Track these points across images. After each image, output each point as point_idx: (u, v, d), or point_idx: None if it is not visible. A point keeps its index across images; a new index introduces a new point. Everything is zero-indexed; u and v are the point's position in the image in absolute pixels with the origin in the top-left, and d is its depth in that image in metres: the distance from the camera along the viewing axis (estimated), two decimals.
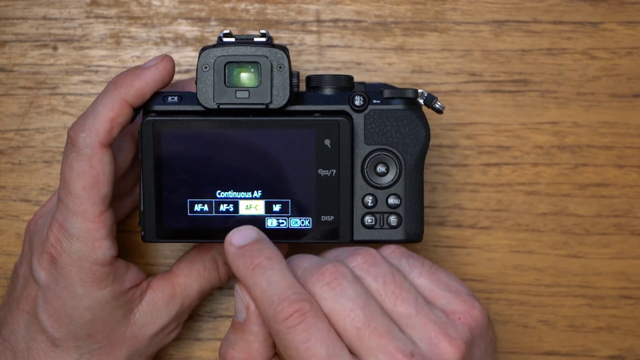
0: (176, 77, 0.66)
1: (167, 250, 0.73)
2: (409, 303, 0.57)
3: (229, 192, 0.62)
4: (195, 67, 0.72)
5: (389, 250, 0.60)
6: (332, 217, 0.62)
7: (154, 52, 0.73)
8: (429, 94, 0.64)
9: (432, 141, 0.70)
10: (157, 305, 0.66)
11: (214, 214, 0.62)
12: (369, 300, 0.56)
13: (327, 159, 0.62)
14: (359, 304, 0.56)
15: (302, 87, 0.66)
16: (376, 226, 0.63)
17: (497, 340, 0.60)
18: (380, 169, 0.63)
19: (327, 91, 0.63)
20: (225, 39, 0.63)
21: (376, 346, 0.55)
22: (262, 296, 0.56)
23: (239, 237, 0.59)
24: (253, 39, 0.63)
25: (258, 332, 0.58)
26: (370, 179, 0.63)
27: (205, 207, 0.62)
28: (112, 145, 0.63)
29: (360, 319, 0.55)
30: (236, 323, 0.59)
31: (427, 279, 0.59)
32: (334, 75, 0.64)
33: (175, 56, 0.72)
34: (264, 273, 0.57)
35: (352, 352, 0.56)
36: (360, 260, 0.58)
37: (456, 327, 0.57)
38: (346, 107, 0.63)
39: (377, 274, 0.58)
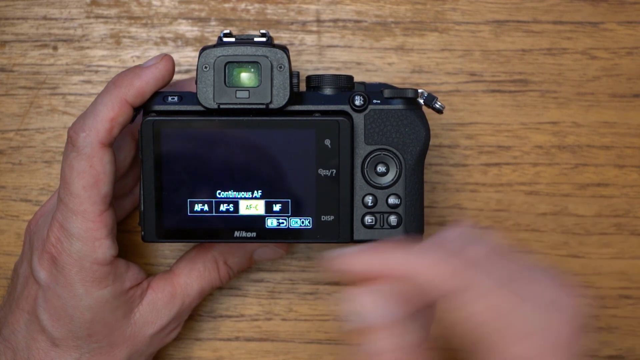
0: (176, 77, 0.66)
1: (167, 250, 0.73)
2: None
3: (229, 192, 0.62)
4: (195, 67, 0.72)
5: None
6: (332, 217, 0.62)
7: (154, 52, 0.73)
8: (429, 94, 0.65)
9: (432, 141, 0.70)
10: (157, 305, 0.66)
11: (214, 214, 0.62)
12: None
13: (327, 159, 0.62)
14: None
15: (302, 87, 0.66)
16: (376, 226, 0.63)
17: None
18: (380, 168, 0.63)
19: (327, 91, 0.63)
20: (225, 39, 0.63)
21: None
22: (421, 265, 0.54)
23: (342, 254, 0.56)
24: (253, 39, 0.63)
25: (385, 326, 0.54)
26: (370, 179, 0.63)
27: (205, 207, 0.62)
28: (112, 144, 0.63)
29: None
30: (357, 329, 0.54)
31: None
32: (334, 75, 0.64)
33: (175, 56, 0.72)
34: (402, 249, 0.54)
35: None
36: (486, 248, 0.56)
37: None
38: (346, 107, 0.63)
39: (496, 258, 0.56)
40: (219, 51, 0.62)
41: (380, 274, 0.55)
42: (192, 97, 0.63)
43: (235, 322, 0.73)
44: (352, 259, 0.55)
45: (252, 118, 0.62)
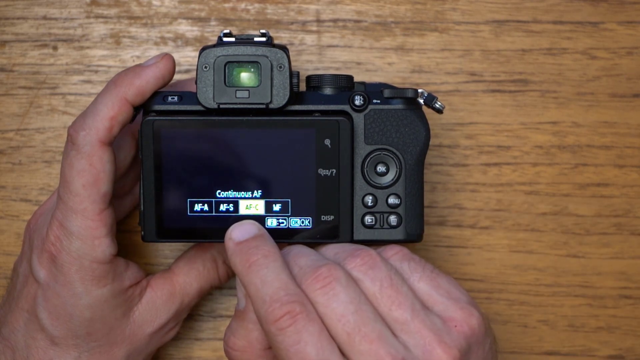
0: (176, 77, 0.66)
1: (167, 250, 0.73)
2: (405, 308, 0.57)
3: (229, 192, 0.62)
4: (195, 67, 0.72)
5: (392, 252, 0.60)
6: (332, 217, 0.62)
7: (154, 52, 0.73)
8: (429, 94, 0.65)
9: (432, 141, 0.70)
10: (157, 304, 0.66)
11: (214, 214, 0.62)
12: (362, 305, 0.56)
13: (327, 159, 0.62)
14: (351, 309, 0.56)
15: (302, 87, 0.66)
16: (376, 226, 0.63)
17: (496, 349, 0.60)
18: (380, 168, 0.63)
19: (327, 91, 0.63)
20: (225, 39, 0.63)
21: (366, 351, 0.55)
22: (255, 295, 0.56)
23: (238, 232, 0.59)
24: (253, 39, 0.63)
25: (257, 320, 0.58)
26: (370, 179, 0.63)
27: (205, 207, 0.62)
28: (112, 143, 0.63)
29: (351, 324, 0.55)
30: (238, 311, 0.59)
31: (427, 284, 0.59)
32: (334, 75, 0.64)
33: (175, 56, 0.72)
34: (258, 271, 0.57)
35: (344, 355, 0.55)
36: (359, 261, 0.58)
37: (452, 335, 0.56)
38: (346, 107, 0.63)
39: (375, 276, 0.57)
40: (219, 51, 0.62)
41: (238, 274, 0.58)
42: (192, 97, 0.63)
43: None
44: (232, 250, 0.59)
45: (252, 118, 0.62)
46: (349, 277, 0.57)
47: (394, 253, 0.60)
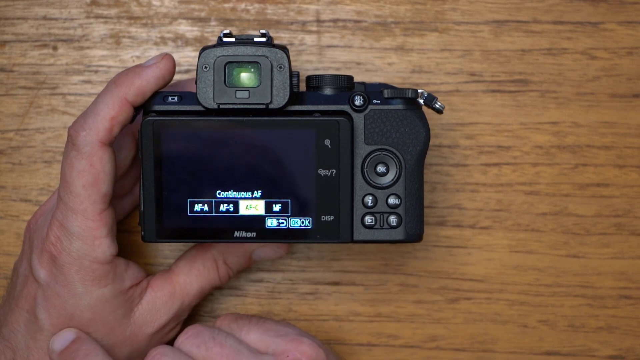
0: (176, 77, 0.67)
1: (167, 250, 0.73)
2: (233, 357, 0.62)
3: (229, 192, 0.62)
4: (195, 67, 0.72)
5: (220, 320, 0.67)
6: (332, 217, 0.62)
7: (153, 52, 0.73)
8: (429, 94, 0.65)
9: (432, 141, 0.70)
10: (157, 304, 0.66)
11: (214, 214, 0.62)
12: None
13: (327, 159, 0.62)
14: None
15: (302, 87, 0.66)
16: (376, 226, 0.63)
17: None
18: (380, 169, 0.63)
19: (327, 91, 0.63)
20: (225, 39, 0.63)
21: None
22: None
23: (57, 342, 0.64)
24: (253, 39, 0.63)
25: None
26: (370, 179, 0.63)
27: (205, 207, 0.62)
28: (113, 144, 0.63)
29: None
30: None
31: (257, 332, 0.65)
32: (334, 75, 0.64)
33: (175, 56, 0.72)
34: None
35: None
36: (185, 336, 0.64)
37: None
38: (346, 107, 0.63)
39: (200, 342, 0.64)
40: (219, 51, 0.62)
41: None
42: (192, 97, 0.63)
43: None
44: None
45: (252, 118, 0.62)
46: (175, 350, 0.63)
47: (222, 320, 0.67)
